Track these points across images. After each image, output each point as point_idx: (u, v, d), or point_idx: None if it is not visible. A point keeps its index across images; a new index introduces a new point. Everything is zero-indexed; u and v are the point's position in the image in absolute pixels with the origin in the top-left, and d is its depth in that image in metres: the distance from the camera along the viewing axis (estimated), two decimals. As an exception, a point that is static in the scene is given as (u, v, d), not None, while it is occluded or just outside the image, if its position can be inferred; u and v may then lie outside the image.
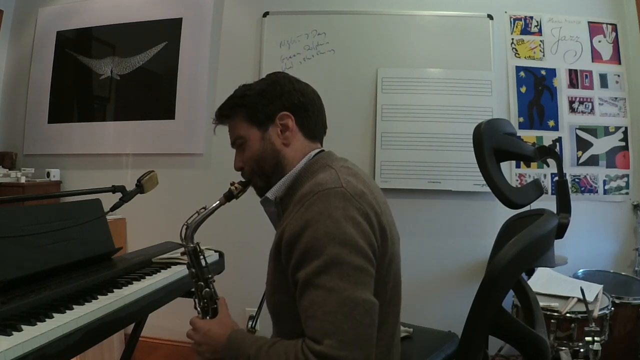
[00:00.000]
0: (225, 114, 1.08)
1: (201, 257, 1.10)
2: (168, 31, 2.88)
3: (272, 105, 1.04)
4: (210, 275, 1.11)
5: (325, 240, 0.83)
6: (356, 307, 0.81)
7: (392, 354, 1.00)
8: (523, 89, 2.69)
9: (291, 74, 1.12)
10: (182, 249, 1.12)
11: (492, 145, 1.01)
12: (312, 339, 0.80)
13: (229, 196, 1.08)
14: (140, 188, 1.48)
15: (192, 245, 1.09)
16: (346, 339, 0.78)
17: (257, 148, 1.04)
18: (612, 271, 2.45)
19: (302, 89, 1.08)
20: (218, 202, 1.08)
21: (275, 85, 1.06)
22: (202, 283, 1.09)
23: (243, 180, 1.10)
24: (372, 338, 0.83)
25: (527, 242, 0.92)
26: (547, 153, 1.22)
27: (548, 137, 2.67)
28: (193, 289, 1.11)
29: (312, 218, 0.86)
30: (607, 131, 2.66)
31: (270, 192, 1.04)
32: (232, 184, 1.09)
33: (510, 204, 1.02)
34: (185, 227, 1.09)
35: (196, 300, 1.10)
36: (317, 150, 1.07)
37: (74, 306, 1.09)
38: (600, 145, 2.66)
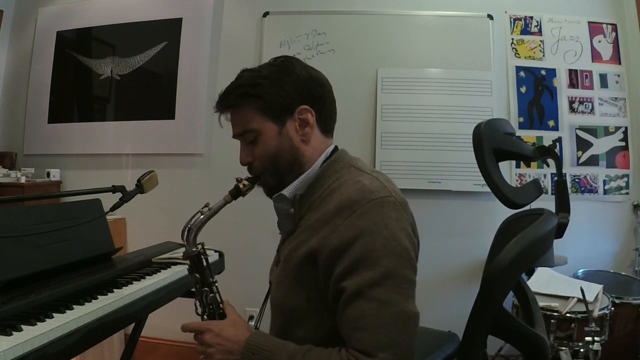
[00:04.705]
0: (231, 103, 0.97)
1: (204, 261, 1.01)
2: (168, 31, 2.88)
3: (289, 96, 0.95)
4: (213, 279, 1.02)
5: (382, 251, 0.82)
6: (409, 320, 0.81)
7: None
8: (523, 89, 2.69)
9: None
10: (182, 250, 1.03)
11: (492, 146, 1.01)
12: (363, 352, 0.78)
13: (235, 194, 0.98)
14: (140, 188, 1.48)
15: (195, 250, 0.99)
16: (400, 352, 0.78)
17: (273, 144, 0.95)
18: (612, 271, 2.45)
19: (318, 76, 1.00)
20: (223, 200, 0.98)
21: (291, 73, 0.96)
22: (206, 289, 0.99)
23: (250, 176, 1.01)
24: (415, 347, 0.83)
25: (528, 242, 0.92)
26: (547, 153, 1.22)
27: (548, 137, 2.67)
28: (195, 293, 1.02)
29: (367, 227, 0.83)
30: (607, 131, 2.66)
31: (288, 189, 0.97)
32: (239, 180, 0.99)
33: (511, 204, 1.02)
34: (187, 229, 0.99)
35: (200, 306, 1.01)
36: (332, 148, 1.02)
37: (74, 306, 1.09)
38: (600, 145, 2.66)
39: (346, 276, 0.83)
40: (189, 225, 0.99)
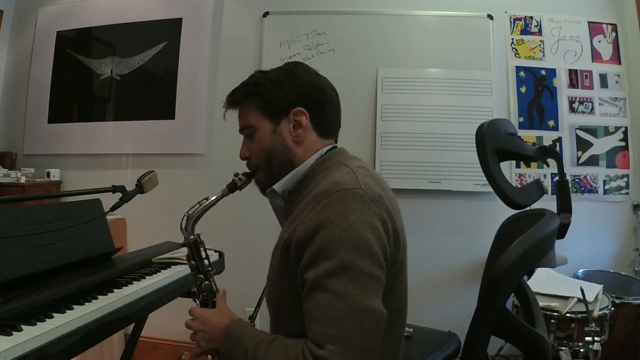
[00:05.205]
0: (237, 100, 1.04)
1: (202, 249, 1.08)
2: (168, 31, 2.87)
3: (288, 97, 0.99)
4: (210, 268, 1.09)
5: (340, 243, 0.81)
6: (364, 315, 0.79)
7: None
8: (523, 89, 2.69)
9: None
10: (183, 250, 1.10)
11: (494, 146, 1.01)
12: (315, 343, 0.78)
13: (232, 187, 1.05)
14: (140, 188, 1.48)
15: (192, 237, 1.06)
16: (350, 346, 0.76)
17: (267, 141, 1.00)
18: (612, 271, 2.45)
19: (320, 83, 1.03)
20: (221, 193, 1.05)
21: (293, 77, 1.01)
22: (202, 276, 1.07)
23: (247, 171, 1.07)
24: (376, 349, 0.81)
25: (531, 243, 0.92)
26: (548, 153, 1.22)
27: (548, 137, 2.67)
28: (193, 279, 1.10)
29: (327, 219, 0.83)
30: (607, 131, 2.66)
31: (278, 184, 1.01)
32: (236, 175, 1.05)
33: (513, 205, 1.03)
34: (186, 217, 1.06)
35: (195, 293, 1.08)
36: (329, 147, 1.03)
37: (74, 306, 1.09)
38: (600, 145, 2.66)
39: (308, 268, 0.84)
40: (187, 215, 1.07)
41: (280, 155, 1.00)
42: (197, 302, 1.07)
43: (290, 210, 0.99)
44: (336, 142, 1.08)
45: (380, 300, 0.83)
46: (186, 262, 1.11)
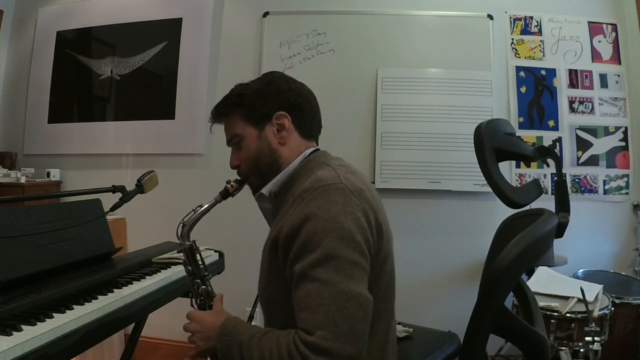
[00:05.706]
0: (221, 112, 1.10)
1: (197, 254, 1.12)
2: (168, 31, 2.88)
3: (269, 104, 1.05)
4: (206, 273, 1.13)
5: (323, 234, 0.85)
6: (350, 300, 0.82)
7: (387, 350, 1.01)
8: (523, 89, 2.69)
9: (291, 74, 1.13)
10: (179, 247, 1.14)
11: (492, 145, 1.02)
12: (305, 330, 0.81)
13: (224, 194, 1.10)
14: (140, 188, 1.48)
15: (188, 243, 1.11)
16: (338, 331, 0.79)
17: (253, 147, 1.06)
18: (612, 271, 2.45)
19: (298, 88, 1.09)
20: (214, 200, 1.10)
21: (272, 85, 1.07)
22: (198, 280, 1.11)
23: (239, 178, 1.11)
24: (365, 333, 0.84)
25: (529, 242, 0.92)
26: (547, 153, 1.23)
27: (548, 137, 2.67)
28: (189, 285, 1.13)
29: (311, 212, 0.87)
30: (607, 131, 2.66)
31: (265, 188, 1.06)
32: (228, 182, 1.10)
33: (512, 204, 1.03)
34: (181, 225, 1.11)
35: (192, 297, 1.12)
36: (312, 149, 1.09)
37: (74, 306, 1.09)
38: (600, 145, 2.66)
39: (296, 261, 0.87)
40: (182, 222, 1.11)
41: (267, 158, 1.05)
42: (195, 306, 1.11)
43: (278, 211, 1.03)
44: (317, 143, 1.14)
45: (366, 286, 0.87)
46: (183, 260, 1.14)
